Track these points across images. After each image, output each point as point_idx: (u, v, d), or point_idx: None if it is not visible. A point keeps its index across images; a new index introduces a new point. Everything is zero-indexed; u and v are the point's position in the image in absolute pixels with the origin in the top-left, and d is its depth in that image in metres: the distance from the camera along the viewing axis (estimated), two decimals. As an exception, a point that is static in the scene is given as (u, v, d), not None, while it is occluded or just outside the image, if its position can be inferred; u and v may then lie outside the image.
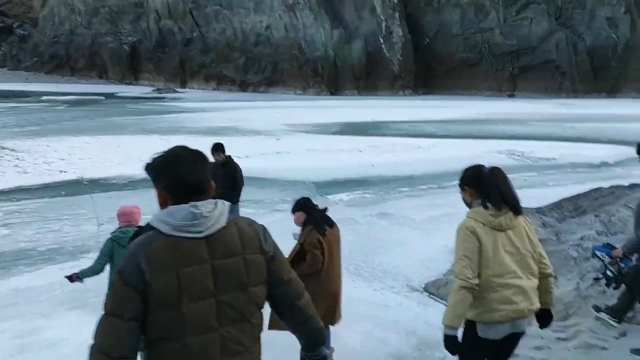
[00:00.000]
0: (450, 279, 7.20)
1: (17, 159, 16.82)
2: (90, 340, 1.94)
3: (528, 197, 11.04)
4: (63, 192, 12.60)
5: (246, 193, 9.53)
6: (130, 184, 13.71)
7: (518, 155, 18.88)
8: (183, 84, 60.60)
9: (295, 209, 5.10)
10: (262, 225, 2.18)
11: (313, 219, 4.98)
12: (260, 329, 2.14)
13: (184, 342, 1.91)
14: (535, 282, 3.10)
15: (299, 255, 4.96)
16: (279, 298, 2.17)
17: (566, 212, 8.12)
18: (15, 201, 11.72)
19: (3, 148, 18.61)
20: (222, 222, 2.00)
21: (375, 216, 10.68)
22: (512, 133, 25.12)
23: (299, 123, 28.18)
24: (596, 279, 4.81)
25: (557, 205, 8.52)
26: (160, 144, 19.45)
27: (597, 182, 12.22)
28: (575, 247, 6.68)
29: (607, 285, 4.83)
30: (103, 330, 1.88)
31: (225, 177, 7.97)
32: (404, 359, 5.49)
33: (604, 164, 17.26)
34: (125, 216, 5.02)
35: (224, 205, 2.04)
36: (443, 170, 15.68)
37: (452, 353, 3.08)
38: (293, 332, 2.31)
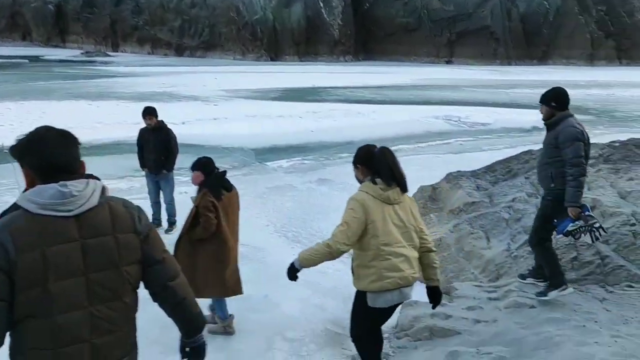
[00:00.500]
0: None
1: None
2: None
3: (463, 161, 11.28)
4: (-17, 162, 11.78)
5: (183, 160, 9.19)
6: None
7: (454, 121, 19.27)
8: (115, 48, 57.78)
9: (193, 167, 4.99)
10: (138, 206, 2.15)
11: (209, 181, 4.89)
12: (135, 310, 2.12)
13: (53, 320, 1.89)
14: (416, 253, 3.38)
15: (195, 219, 4.85)
16: (152, 277, 2.14)
17: (499, 175, 8.32)
18: None
19: None
20: (94, 201, 1.97)
21: (315, 182, 10.61)
22: (449, 99, 25.60)
23: (238, 89, 27.55)
24: (597, 238, 4.73)
25: (491, 169, 8.71)
26: (88, 110, 18.54)
27: (529, 145, 12.63)
28: (507, 209, 6.86)
29: (598, 238, 4.76)
30: None
31: (157, 143, 7.63)
32: (341, 324, 5.48)
33: (535, 128, 17.88)
34: None
35: (95, 184, 2.01)
36: (382, 135, 15.78)
37: (290, 279, 3.53)
38: (171, 317, 2.27)
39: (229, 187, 5.05)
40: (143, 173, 8.16)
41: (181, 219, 7.87)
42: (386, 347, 5.09)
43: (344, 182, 10.66)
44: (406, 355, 4.82)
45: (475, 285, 5.77)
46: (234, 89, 27.28)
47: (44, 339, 1.90)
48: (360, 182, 3.49)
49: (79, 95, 22.94)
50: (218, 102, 22.45)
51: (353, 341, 3.65)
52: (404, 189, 3.35)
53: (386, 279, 3.22)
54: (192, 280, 4.98)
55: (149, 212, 7.49)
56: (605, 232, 4.84)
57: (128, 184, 10.11)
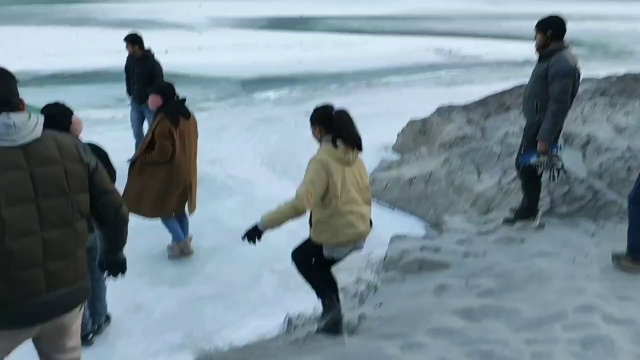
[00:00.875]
0: (376, 177, 7.16)
1: None
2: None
3: (455, 94, 11.07)
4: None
5: (165, 90, 8.92)
6: (35, 81, 12.51)
7: (446, 53, 18.83)
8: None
9: (152, 91, 4.97)
10: (80, 139, 2.35)
11: (167, 107, 4.82)
12: (86, 237, 2.23)
13: (5, 245, 1.99)
14: (369, 209, 3.61)
15: (150, 143, 4.85)
16: (104, 206, 2.27)
17: (491, 108, 8.16)
18: None
19: None
20: (37, 132, 2.07)
21: (303, 114, 10.31)
22: (440, 30, 24.93)
23: (223, 17, 26.57)
24: (554, 178, 4.80)
25: (483, 102, 8.53)
26: (68, 37, 17.79)
27: (521, 78, 12.40)
28: (499, 143, 6.74)
29: (555, 178, 4.84)
30: None
31: (141, 73, 7.29)
32: (330, 257, 5.46)
33: (527, 62, 17.57)
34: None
35: (37, 117, 2.10)
36: (372, 67, 15.42)
37: (249, 240, 3.52)
38: (103, 235, 2.42)
39: (187, 114, 4.97)
40: (127, 103, 7.85)
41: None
42: (375, 279, 5.09)
43: (333, 114, 10.47)
44: (394, 287, 4.81)
45: (465, 219, 5.74)
46: (220, 17, 26.32)
47: (5, 262, 2.00)
48: (319, 140, 3.62)
49: (58, 21, 21.99)
50: (203, 31, 21.66)
51: (305, 278, 3.84)
52: (360, 149, 3.55)
53: (342, 236, 3.45)
54: (138, 201, 4.97)
55: (131, 142, 7.27)
56: (564, 174, 4.91)
57: (111, 114, 9.78)
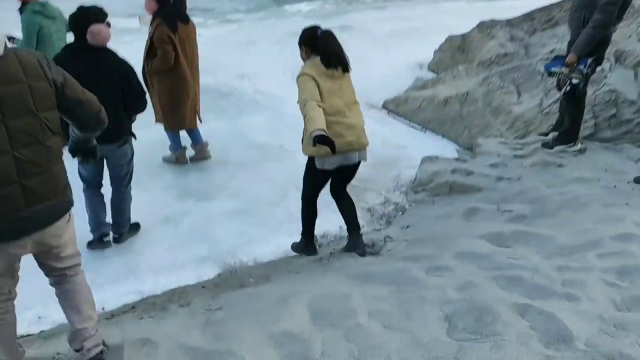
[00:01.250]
0: (409, 96, 6.89)
1: None
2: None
3: (498, 9, 10.40)
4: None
5: (193, 0, 8.53)
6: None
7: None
8: None
9: None
10: (44, 55, 2.23)
11: (164, 12, 4.62)
12: (59, 152, 2.24)
13: None
14: (361, 122, 3.58)
15: (150, 51, 4.71)
16: (83, 115, 2.34)
17: (537, 24, 7.61)
18: None
19: None
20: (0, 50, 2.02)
21: (335, 29, 9.81)
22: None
23: None
24: (565, 93, 4.54)
25: (528, 17, 7.95)
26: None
27: (571, -6, 11.57)
28: (544, 61, 6.32)
29: (575, 92, 4.58)
30: None
31: None
32: (358, 177, 5.26)
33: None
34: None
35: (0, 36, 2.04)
36: (410, -21, 14.55)
37: (325, 143, 3.13)
38: (82, 130, 2.47)
39: (186, 19, 4.78)
40: None
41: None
42: (403, 201, 4.99)
43: (366, 29, 9.98)
44: (423, 210, 4.71)
45: (501, 142, 5.50)
46: None
47: None
48: (304, 61, 3.59)
49: None
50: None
51: (302, 201, 3.92)
52: (346, 69, 3.54)
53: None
54: (156, 114, 4.90)
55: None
56: (575, 93, 4.56)
57: (129, 24, 9.46)
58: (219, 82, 7.18)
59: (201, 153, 5.39)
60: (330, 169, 3.60)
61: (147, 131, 5.81)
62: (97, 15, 3.58)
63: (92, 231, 4.08)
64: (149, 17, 4.77)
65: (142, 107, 3.79)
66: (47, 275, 2.47)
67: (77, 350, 2.49)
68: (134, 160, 4.08)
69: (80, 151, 2.63)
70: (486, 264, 3.12)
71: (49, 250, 2.34)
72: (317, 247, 4.14)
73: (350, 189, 5.15)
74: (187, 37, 4.80)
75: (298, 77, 3.45)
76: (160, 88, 4.83)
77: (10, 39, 5.13)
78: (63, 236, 2.36)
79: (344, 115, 3.46)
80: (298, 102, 3.37)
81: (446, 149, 5.91)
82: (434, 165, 5.27)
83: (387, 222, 4.70)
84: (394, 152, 5.84)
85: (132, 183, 4.20)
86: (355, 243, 3.84)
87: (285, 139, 5.91)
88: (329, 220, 4.62)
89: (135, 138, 4.00)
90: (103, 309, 3.44)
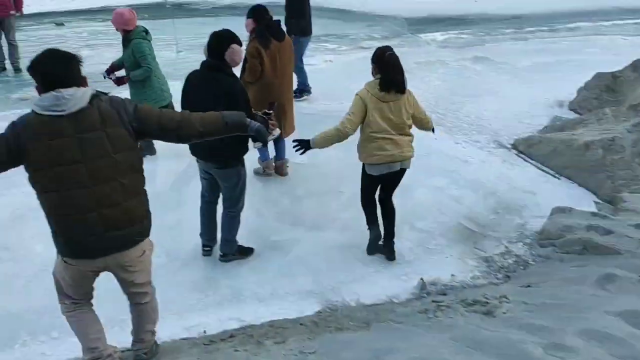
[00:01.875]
0: (544, 138, 6.36)
1: (106, -22, 16.51)
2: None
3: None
4: (146, 15, 12.27)
5: (329, 27, 8.70)
6: (213, 11, 13.13)
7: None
8: None
9: (248, 15, 5.13)
10: (122, 99, 2.58)
11: (259, 29, 5.02)
12: (137, 188, 2.61)
13: (62, 195, 2.45)
14: (406, 138, 4.17)
15: (243, 64, 5.06)
16: (165, 135, 2.69)
17: None
18: (101, 21, 11.60)
19: (93, -33, 18.31)
20: (83, 103, 2.41)
21: (470, 60, 9.54)
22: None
23: (400, -51, 25.41)
24: None
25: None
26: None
27: None
28: None
29: None
30: None
31: (286, 4, 7.18)
32: (478, 221, 5.00)
33: None
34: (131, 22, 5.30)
35: (85, 90, 2.45)
36: (558, 9, 13.66)
37: (298, 148, 4.18)
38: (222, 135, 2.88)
39: (280, 37, 5.12)
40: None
41: (317, 88, 7.56)
42: (526, 254, 4.57)
43: (503, 61, 9.46)
44: (549, 267, 4.27)
45: (650, 200, 4.84)
46: (395, -50, 25.19)
47: (63, 208, 2.48)
48: (374, 76, 4.13)
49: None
50: (376, -36, 20.90)
51: (363, 207, 4.50)
52: (400, 91, 4.06)
53: (375, 156, 4.13)
54: None
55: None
56: None
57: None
58: (344, 109, 7.17)
59: (278, 169, 5.55)
60: (375, 174, 4.23)
61: (272, 154, 5.95)
62: (236, 37, 3.91)
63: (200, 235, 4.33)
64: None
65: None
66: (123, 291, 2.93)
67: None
68: (243, 184, 4.11)
69: (253, 138, 3.11)
70: (619, 349, 2.68)
71: (124, 275, 2.74)
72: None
73: (466, 233, 4.85)
74: (279, 53, 5.06)
75: (355, 94, 4.11)
76: (250, 98, 5.07)
77: (120, 78, 5.54)
78: (135, 266, 2.71)
79: (390, 133, 4.07)
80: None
81: (582, 201, 5.34)
82: (566, 218, 4.77)
83: (505, 276, 4.31)
84: (521, 197, 5.40)
85: (248, 206, 4.27)
86: (387, 248, 4.43)
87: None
88: (441, 267, 4.37)
89: (242, 165, 4.03)
90: (204, 331, 3.50)
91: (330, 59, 9.38)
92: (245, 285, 4.05)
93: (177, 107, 4.20)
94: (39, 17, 11.84)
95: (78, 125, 2.40)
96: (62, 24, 11.29)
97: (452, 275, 4.29)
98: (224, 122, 2.78)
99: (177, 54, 9.34)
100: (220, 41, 3.81)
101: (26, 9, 11.98)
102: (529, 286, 3.87)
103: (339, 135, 4.07)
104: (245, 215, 4.29)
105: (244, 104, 3.78)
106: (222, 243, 4.24)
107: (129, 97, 4.95)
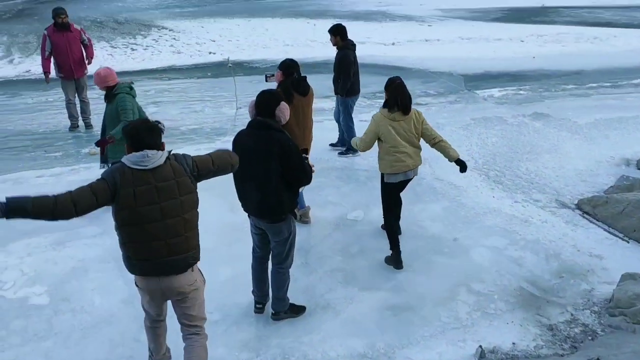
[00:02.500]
0: (611, 198, 6.08)
1: (174, 39, 17.49)
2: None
3: None
4: (209, 74, 12.88)
5: (380, 84, 8.74)
6: (271, 69, 13.59)
7: None
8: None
9: (279, 66, 5.48)
10: (182, 155, 3.32)
11: (284, 84, 5.31)
12: (193, 223, 3.32)
13: (144, 228, 3.16)
14: (417, 150, 4.97)
15: None
16: (217, 173, 3.44)
17: None
18: (167, 80, 12.22)
19: (163, 28, 19.49)
20: (161, 161, 3.20)
21: (529, 116, 9.38)
22: None
23: (456, 8, 25.75)
24: None
25: None
26: (306, 28, 19.03)
27: None
28: None
29: None
30: (82, 190, 3.08)
31: (335, 63, 7.31)
32: (540, 286, 4.77)
33: None
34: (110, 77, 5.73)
35: (163, 153, 3.23)
36: (620, 65, 13.36)
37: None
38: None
39: (304, 92, 5.40)
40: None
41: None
42: (594, 323, 4.29)
43: (564, 118, 9.25)
44: (619, 339, 3.97)
45: None
46: (452, 9, 25.58)
47: (139, 237, 3.17)
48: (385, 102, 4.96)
49: (299, 14, 23.69)
50: (432, 23, 21.26)
51: (384, 216, 5.23)
52: (405, 112, 4.80)
53: (393, 167, 4.89)
54: None
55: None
56: None
57: (322, 105, 9.92)
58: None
59: (303, 217, 5.62)
60: (394, 182, 4.98)
61: (325, 211, 5.96)
62: (282, 96, 4.09)
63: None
64: (274, 81, 5.68)
65: (303, 182, 3.98)
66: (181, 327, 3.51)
67: None
68: (293, 239, 4.12)
69: (297, 192, 3.99)
70: None
71: (181, 305, 3.39)
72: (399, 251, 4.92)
73: (528, 297, 4.62)
74: (302, 107, 5.31)
75: (371, 117, 4.92)
76: None
77: (103, 141, 5.74)
78: (189, 293, 3.36)
79: (403, 146, 4.84)
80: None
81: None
82: (637, 285, 4.46)
83: (571, 346, 4.05)
84: (587, 261, 5.12)
85: (300, 263, 4.24)
86: (394, 259, 5.02)
87: (460, 232, 5.56)
88: (502, 334, 4.16)
89: (296, 218, 4.07)
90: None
91: (367, 118, 9.40)
92: (296, 346, 3.98)
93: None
94: (110, 76, 12.56)
95: (157, 177, 3.15)
96: (132, 83, 11.95)
97: (513, 343, 4.06)
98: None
99: (237, 110, 9.66)
100: (271, 99, 3.92)
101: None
102: (597, 359, 3.60)
103: (358, 149, 5.14)
104: (298, 271, 4.27)
105: (297, 157, 3.85)
106: (273, 301, 4.21)
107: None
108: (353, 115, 7.55)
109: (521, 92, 11.18)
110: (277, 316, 4.22)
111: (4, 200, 2.81)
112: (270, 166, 3.78)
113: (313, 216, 5.75)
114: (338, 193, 6.44)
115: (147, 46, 16.25)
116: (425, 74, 12.69)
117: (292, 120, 5.16)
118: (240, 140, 3.93)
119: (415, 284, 4.73)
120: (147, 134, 3.18)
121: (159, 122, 3.33)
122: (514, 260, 5.09)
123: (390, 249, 5.00)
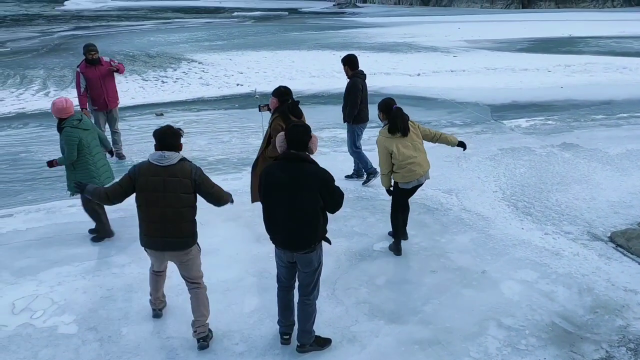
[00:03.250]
0: (647, 231, 5.89)
1: (203, 71, 17.93)
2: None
3: None
4: (236, 105, 13.10)
5: (414, 113, 8.77)
6: (264, 100, 13.72)
7: None
8: (363, -1, 59.33)
9: (273, 93, 5.89)
10: (197, 167, 4.17)
11: (281, 108, 5.79)
12: (188, 216, 4.14)
13: (144, 210, 4.10)
14: (424, 155, 5.55)
15: (269, 139, 5.89)
16: (209, 198, 4.25)
17: None
18: (195, 111, 12.46)
19: (193, 61, 20.01)
20: (174, 161, 4.08)
21: (558, 147, 9.26)
22: None
23: (481, 39, 25.86)
24: None
25: None
26: (331, 60, 19.27)
27: None
28: None
29: None
30: (112, 187, 4.24)
31: (345, 92, 7.44)
32: (573, 321, 4.62)
33: None
34: (64, 111, 5.71)
35: (177, 154, 4.14)
36: (652, 95, 13.14)
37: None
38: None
39: (299, 115, 5.82)
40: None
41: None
42: (630, 361, 4.12)
43: (594, 148, 9.10)
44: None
45: None
46: (477, 40, 25.69)
47: (145, 217, 4.10)
48: (381, 122, 5.58)
49: (325, 46, 24.09)
50: (458, 54, 21.33)
51: (391, 214, 5.79)
52: (405, 135, 5.39)
53: (407, 177, 5.43)
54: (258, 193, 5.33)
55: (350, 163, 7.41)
56: None
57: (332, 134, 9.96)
58: (426, 196, 7.09)
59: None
60: (407, 188, 5.53)
61: (351, 242, 5.93)
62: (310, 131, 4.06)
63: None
64: (266, 110, 6.16)
65: (338, 208, 4.02)
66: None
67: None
68: (320, 270, 4.10)
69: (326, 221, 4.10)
70: None
71: (178, 267, 4.31)
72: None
73: (561, 333, 4.48)
74: None
75: (376, 142, 5.47)
76: None
77: (50, 162, 5.88)
78: (186, 262, 4.23)
79: (413, 157, 5.40)
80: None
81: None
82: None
83: (607, 386, 3.88)
84: (621, 296, 4.96)
85: (327, 294, 4.19)
86: (395, 247, 5.68)
87: (489, 264, 5.46)
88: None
89: (329, 243, 4.06)
90: None
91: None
92: (322, 379, 3.91)
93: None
94: (141, 108, 12.91)
95: (167, 172, 4.03)
96: (161, 114, 12.21)
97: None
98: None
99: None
100: (305, 133, 3.93)
101: (130, 101, 13.27)
102: (636, 400, 3.45)
103: (382, 179, 5.59)
104: (324, 303, 4.22)
105: (335, 185, 3.91)
106: (299, 333, 4.17)
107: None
108: (362, 142, 7.69)
109: (549, 122, 11.07)
110: (302, 349, 4.17)
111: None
112: (306, 197, 3.80)
113: (339, 247, 5.72)
114: (364, 224, 6.40)
115: (177, 79, 16.68)
116: (451, 104, 12.68)
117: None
118: (272, 173, 3.90)
119: (443, 317, 4.64)
120: (171, 137, 4.12)
121: (180, 129, 4.23)
122: (545, 295, 4.96)
123: (393, 236, 5.78)
